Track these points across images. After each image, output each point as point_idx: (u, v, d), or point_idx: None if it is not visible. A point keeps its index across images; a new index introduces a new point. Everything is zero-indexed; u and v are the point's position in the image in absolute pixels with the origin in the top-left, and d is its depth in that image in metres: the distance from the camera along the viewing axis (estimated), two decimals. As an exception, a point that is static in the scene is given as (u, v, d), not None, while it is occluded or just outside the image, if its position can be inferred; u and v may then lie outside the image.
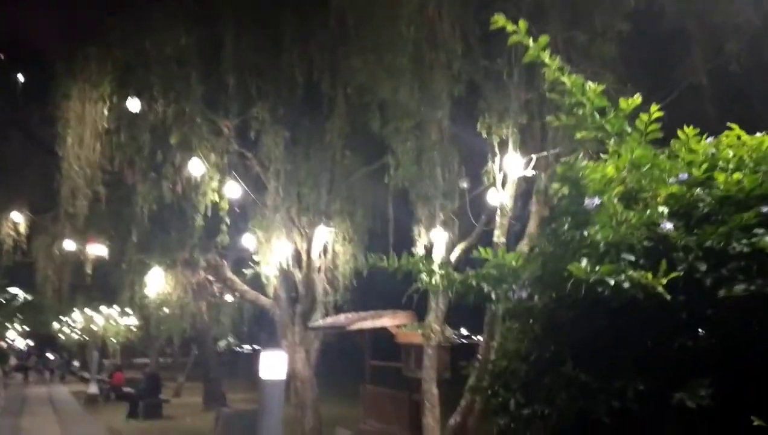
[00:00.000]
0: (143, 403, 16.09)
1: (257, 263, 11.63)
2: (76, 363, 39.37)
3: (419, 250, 8.47)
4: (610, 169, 2.22)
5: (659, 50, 6.94)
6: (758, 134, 2.26)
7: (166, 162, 8.67)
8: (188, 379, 23.04)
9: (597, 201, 2.11)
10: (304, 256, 11.08)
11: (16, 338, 47.45)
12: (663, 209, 2.04)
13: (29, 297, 28.94)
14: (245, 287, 12.22)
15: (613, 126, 2.31)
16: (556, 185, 2.28)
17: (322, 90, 8.17)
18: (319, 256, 11.44)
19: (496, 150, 6.55)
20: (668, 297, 1.82)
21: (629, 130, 2.31)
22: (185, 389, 21.94)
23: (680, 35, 6.40)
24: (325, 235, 11.23)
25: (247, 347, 55.32)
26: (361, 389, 10.32)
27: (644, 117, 2.29)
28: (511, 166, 6.59)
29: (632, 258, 1.97)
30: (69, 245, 15.10)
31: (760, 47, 6.16)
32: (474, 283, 2.39)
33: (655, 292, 1.82)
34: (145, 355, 32.96)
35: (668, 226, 1.99)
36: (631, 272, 1.85)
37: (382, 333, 11.91)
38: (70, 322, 35.23)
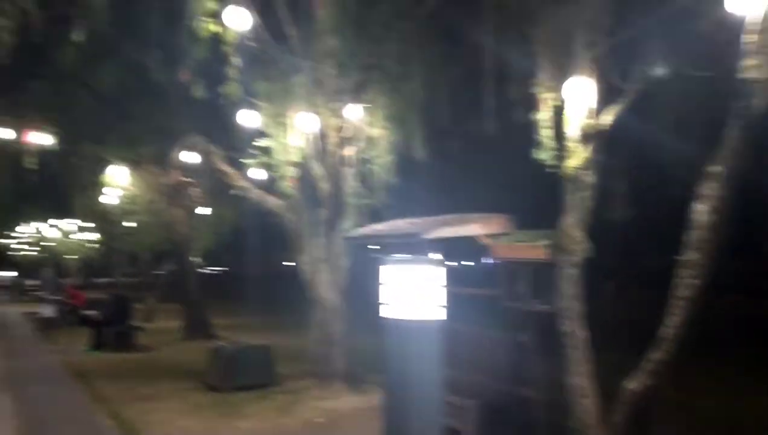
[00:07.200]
0: (111, 331, 13.07)
1: (264, 151, 8.44)
2: (32, 282, 35.73)
3: (544, 113, 5.40)
4: None
5: None
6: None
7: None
8: (159, 300, 20.04)
9: None
10: (332, 140, 7.87)
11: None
12: None
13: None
14: (246, 183, 9.01)
15: None
16: None
17: None
18: (344, 142, 8.27)
19: None
20: None
21: None
22: (157, 313, 19.00)
23: None
24: (359, 112, 8.01)
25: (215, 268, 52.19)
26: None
27: None
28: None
29: None
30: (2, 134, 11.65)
31: None
32: None
33: None
34: (107, 275, 29.72)
35: None
36: None
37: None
38: (18, 235, 31.95)
